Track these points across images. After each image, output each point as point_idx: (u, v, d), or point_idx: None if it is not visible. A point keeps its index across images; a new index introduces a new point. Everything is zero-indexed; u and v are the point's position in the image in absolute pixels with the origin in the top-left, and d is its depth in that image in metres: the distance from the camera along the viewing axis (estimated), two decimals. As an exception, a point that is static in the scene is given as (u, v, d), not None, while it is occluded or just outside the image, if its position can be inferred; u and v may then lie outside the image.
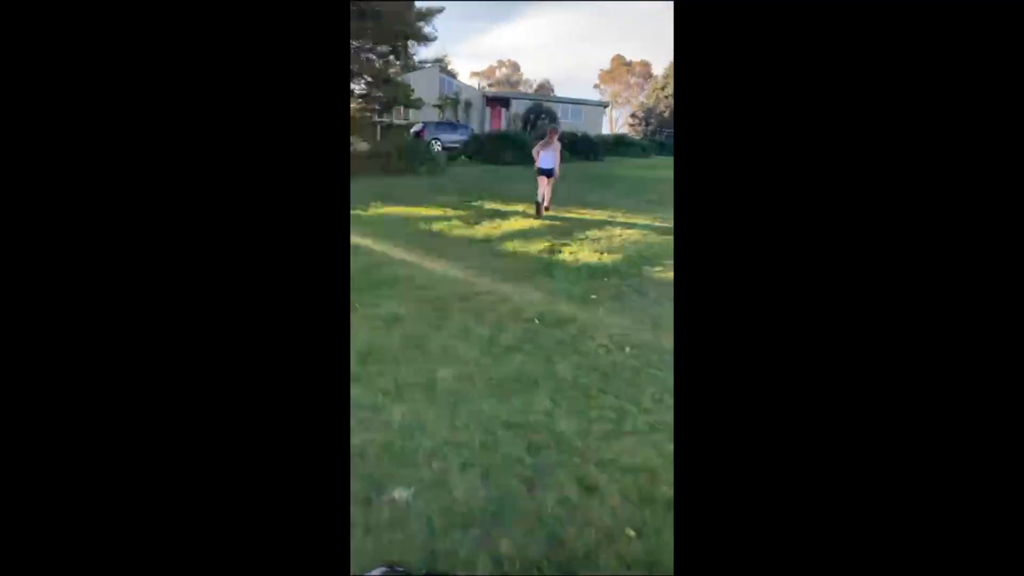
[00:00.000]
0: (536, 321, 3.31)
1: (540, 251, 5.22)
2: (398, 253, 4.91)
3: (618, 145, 21.94)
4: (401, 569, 0.88)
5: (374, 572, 0.84)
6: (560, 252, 5.19)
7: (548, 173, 7.16)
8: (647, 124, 33.48)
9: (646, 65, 47.34)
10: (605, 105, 30.91)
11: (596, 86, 48.23)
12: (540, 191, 7.21)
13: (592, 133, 19.71)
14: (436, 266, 4.51)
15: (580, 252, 5.16)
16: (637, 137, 23.86)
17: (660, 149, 25.73)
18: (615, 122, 42.62)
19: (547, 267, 4.64)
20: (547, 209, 7.27)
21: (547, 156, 7.17)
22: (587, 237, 5.87)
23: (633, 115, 35.99)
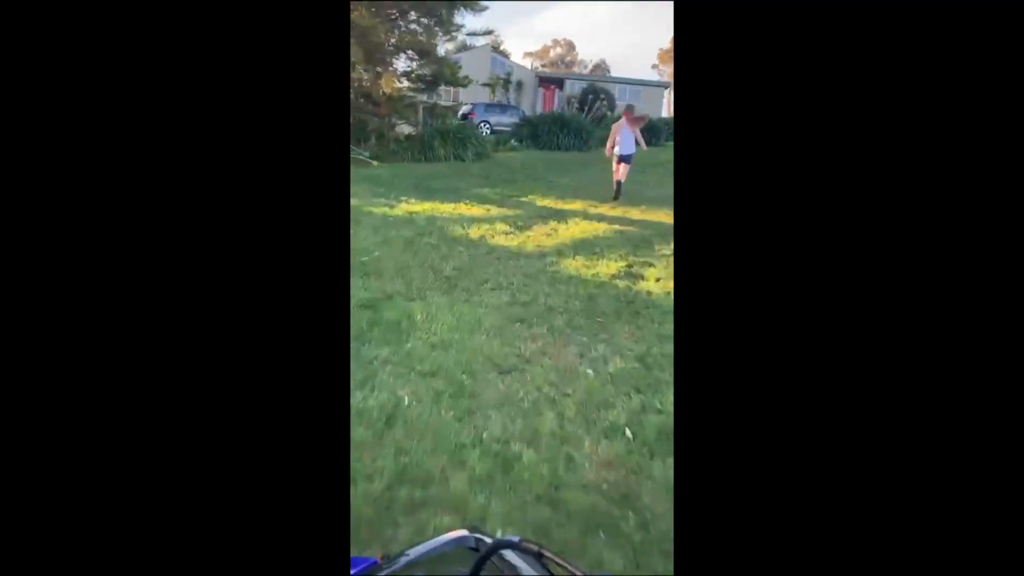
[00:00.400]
0: (630, 437, 1.93)
1: (614, 274, 3.81)
2: (413, 283, 3.47)
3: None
4: (479, 536, 0.79)
5: (451, 535, 0.79)
6: (643, 278, 3.76)
7: (627, 160, 6.44)
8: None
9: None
10: (665, 86, 28.60)
11: (654, 67, 45.42)
12: (616, 177, 6.58)
13: (653, 116, 17.74)
14: (463, 310, 3.05)
15: (670, 278, 3.72)
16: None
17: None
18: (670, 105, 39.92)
19: (629, 305, 3.23)
20: (617, 199, 6.49)
21: (626, 139, 6.33)
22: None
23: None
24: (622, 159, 6.51)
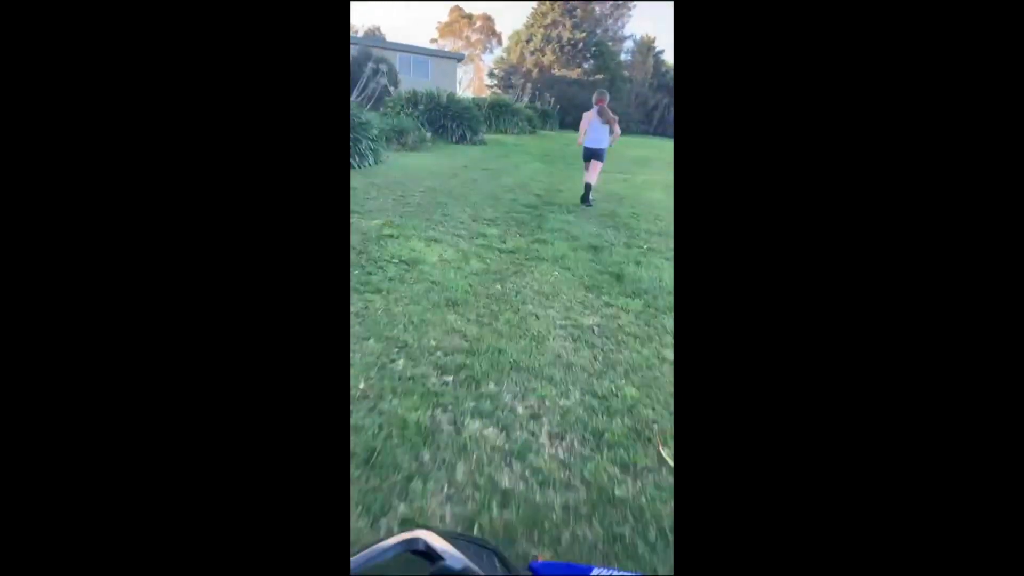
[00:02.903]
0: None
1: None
2: None
3: (498, 113, 14.88)
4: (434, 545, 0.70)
5: (402, 537, 0.69)
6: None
7: (598, 156, 5.40)
8: (509, 85, 26.85)
9: (488, 19, 41.32)
10: (459, 58, 23.45)
11: (433, 41, 40.33)
12: (588, 178, 5.50)
13: (446, 92, 12.21)
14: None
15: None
16: (511, 101, 16.95)
17: (545, 119, 19.29)
18: (459, 82, 35.58)
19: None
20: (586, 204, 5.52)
21: (597, 132, 5.34)
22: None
23: (491, 74, 29.12)
24: (592, 154, 5.43)
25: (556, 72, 25.95)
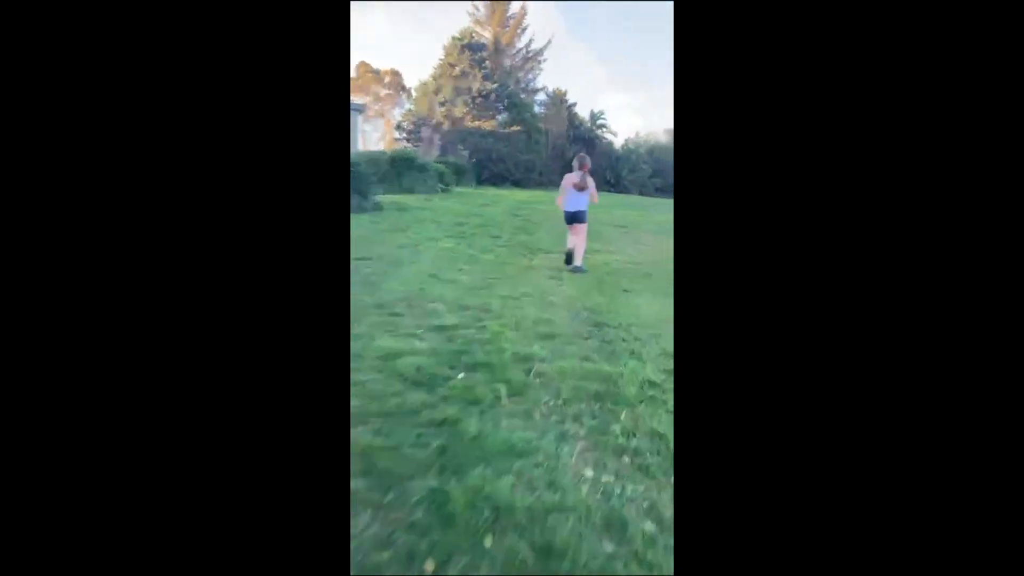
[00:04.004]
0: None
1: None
2: None
3: (402, 170, 12.32)
4: None
5: None
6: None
7: (580, 218, 5.25)
8: (419, 138, 24.72)
9: (396, 75, 39.95)
10: (360, 110, 21.00)
11: (341, 92, 37.91)
12: (571, 244, 5.31)
13: (352, 147, 9.66)
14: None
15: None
16: (416, 155, 14.55)
17: (459, 175, 17.06)
18: (366, 137, 33.30)
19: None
20: (574, 265, 5.16)
21: (577, 197, 5.22)
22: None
23: (399, 127, 26.96)
24: (574, 217, 5.22)
25: (469, 124, 24.24)
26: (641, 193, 28.89)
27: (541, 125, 28.05)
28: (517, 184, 22.88)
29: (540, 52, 30.25)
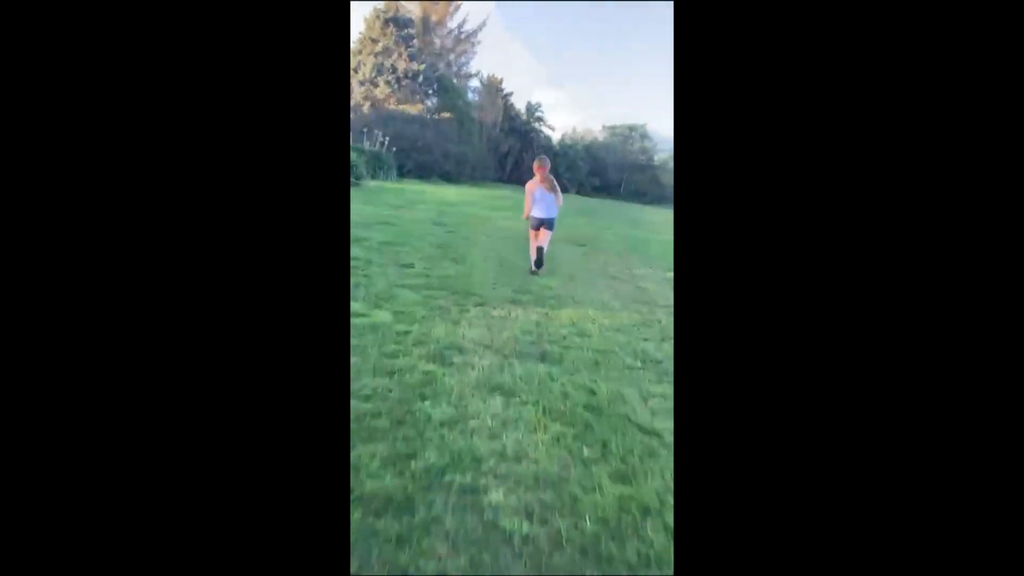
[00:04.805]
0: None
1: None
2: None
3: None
4: None
5: None
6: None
7: (549, 224, 4.86)
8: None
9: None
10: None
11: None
12: (534, 246, 4.90)
13: None
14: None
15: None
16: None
17: (377, 165, 14.20)
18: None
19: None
20: (539, 268, 4.83)
21: (544, 200, 4.82)
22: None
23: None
24: (542, 224, 4.84)
25: (392, 107, 21.25)
26: (579, 192, 27.18)
27: (474, 114, 25.54)
28: (446, 178, 20.20)
29: (474, 33, 27.61)
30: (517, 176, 26.26)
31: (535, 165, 4.92)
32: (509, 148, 27.53)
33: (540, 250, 4.85)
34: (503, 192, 18.19)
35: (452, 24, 26.95)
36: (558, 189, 4.89)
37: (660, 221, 14.41)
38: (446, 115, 22.35)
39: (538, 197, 4.86)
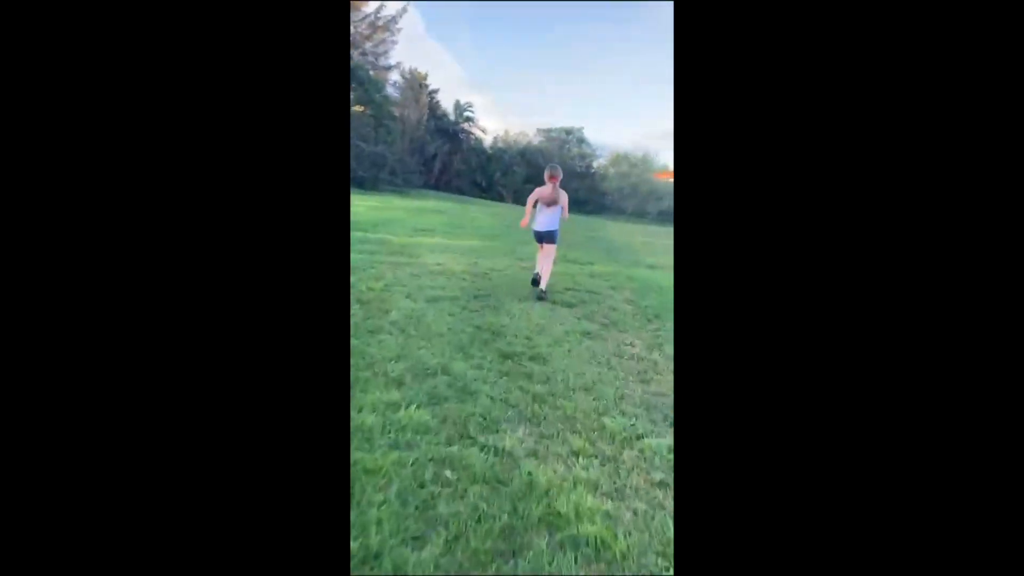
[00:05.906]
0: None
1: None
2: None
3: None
4: None
5: None
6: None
7: (550, 238, 4.54)
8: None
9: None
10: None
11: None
12: (540, 265, 4.62)
13: None
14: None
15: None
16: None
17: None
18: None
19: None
20: (540, 289, 4.47)
21: (548, 215, 4.50)
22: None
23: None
24: (545, 237, 4.50)
25: (291, 98, 17.52)
26: (516, 201, 24.64)
27: (394, 110, 22.19)
28: (358, 184, 16.77)
29: (394, 20, 24.27)
30: (446, 181, 23.19)
31: (547, 174, 4.50)
32: (436, 150, 24.41)
33: (538, 276, 4.57)
34: (433, 203, 15.02)
35: (368, 9, 23.50)
36: (564, 201, 4.50)
37: (636, 243, 11.86)
38: (360, 110, 18.88)
39: (540, 207, 4.55)
